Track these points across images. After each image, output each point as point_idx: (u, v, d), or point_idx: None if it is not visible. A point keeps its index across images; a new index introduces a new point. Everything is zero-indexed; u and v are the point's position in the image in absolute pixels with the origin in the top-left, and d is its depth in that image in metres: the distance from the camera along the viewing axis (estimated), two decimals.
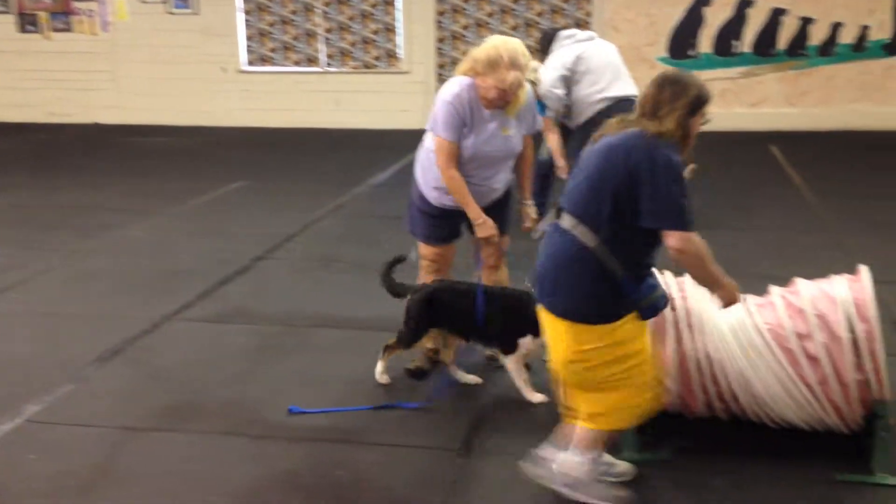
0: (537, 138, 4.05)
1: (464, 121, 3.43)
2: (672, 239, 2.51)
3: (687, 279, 3.30)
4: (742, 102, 10.23)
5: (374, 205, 7.13)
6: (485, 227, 3.55)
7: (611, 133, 2.64)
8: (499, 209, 3.72)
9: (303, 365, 4.01)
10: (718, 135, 9.81)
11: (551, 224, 2.73)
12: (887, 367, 2.95)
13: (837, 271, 3.28)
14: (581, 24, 10.09)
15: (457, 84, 3.47)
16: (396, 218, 5.66)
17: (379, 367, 3.74)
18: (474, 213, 3.52)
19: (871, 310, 2.96)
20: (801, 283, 3.24)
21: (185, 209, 7.00)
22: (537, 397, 3.53)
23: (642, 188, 2.49)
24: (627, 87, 5.42)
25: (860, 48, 9.84)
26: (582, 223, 2.58)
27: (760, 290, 3.31)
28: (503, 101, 3.42)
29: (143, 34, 10.98)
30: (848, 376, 2.94)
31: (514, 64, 3.33)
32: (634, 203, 2.51)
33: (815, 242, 5.71)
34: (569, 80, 5.43)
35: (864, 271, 3.13)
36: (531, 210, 3.88)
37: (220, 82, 11.07)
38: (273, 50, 11.14)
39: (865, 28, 9.77)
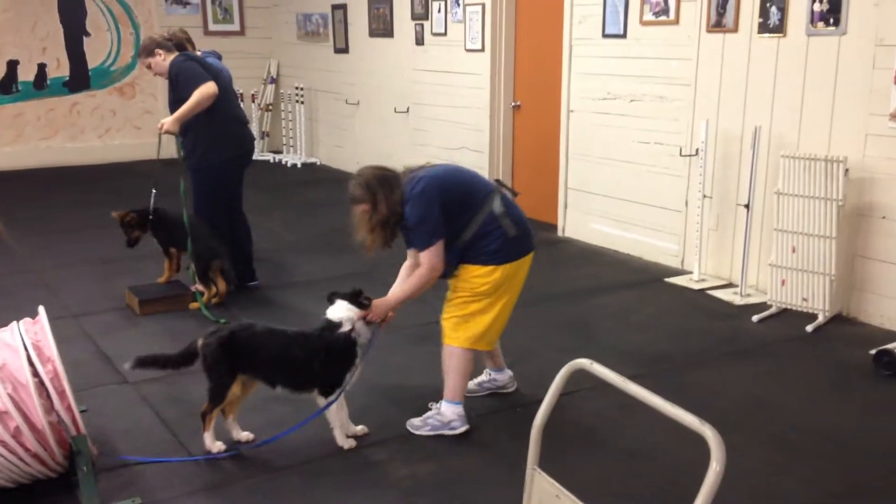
0: None
1: None
2: None
3: None
4: None
5: None
6: None
7: None
8: None
9: None
10: None
11: None
12: (78, 402, 3.01)
13: (49, 310, 3.21)
14: None
15: None
16: None
17: (207, 438, 3.27)
18: None
19: (52, 349, 2.97)
20: None
21: None
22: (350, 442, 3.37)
23: None
24: None
25: (42, 86, 9.91)
26: None
27: None
28: None
29: None
30: (40, 420, 2.88)
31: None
32: None
33: (22, 284, 5.53)
34: None
35: (41, 312, 3.13)
36: None
37: None
38: None
39: (43, 66, 9.87)
